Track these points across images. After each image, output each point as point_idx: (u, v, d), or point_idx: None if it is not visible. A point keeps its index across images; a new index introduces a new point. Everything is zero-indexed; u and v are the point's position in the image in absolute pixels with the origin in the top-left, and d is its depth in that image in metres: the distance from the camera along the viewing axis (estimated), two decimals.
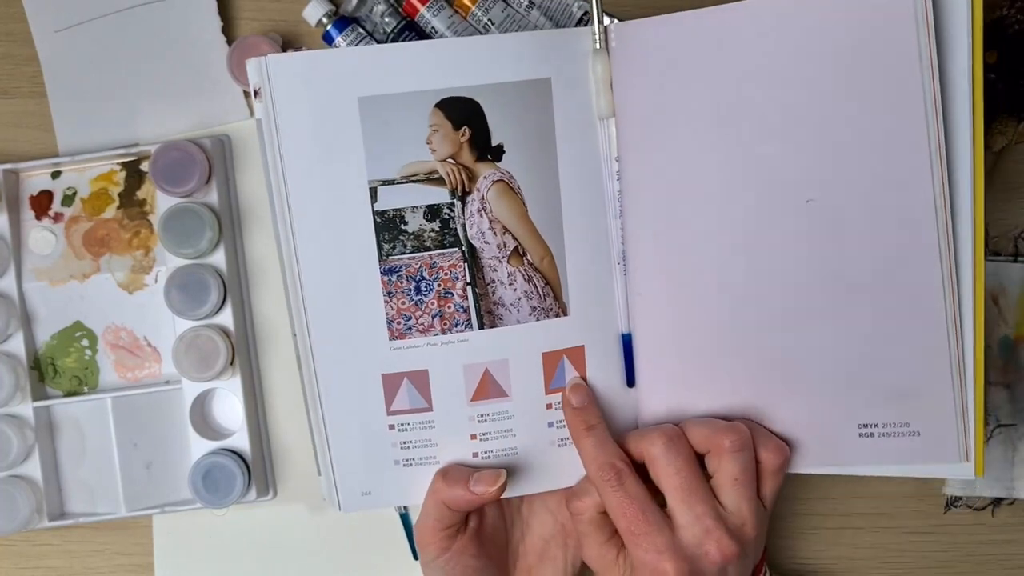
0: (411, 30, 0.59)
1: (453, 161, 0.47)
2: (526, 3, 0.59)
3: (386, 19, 0.59)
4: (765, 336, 0.48)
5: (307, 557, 0.60)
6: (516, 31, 0.58)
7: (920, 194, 0.45)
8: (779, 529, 0.61)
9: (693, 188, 0.47)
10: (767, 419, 0.49)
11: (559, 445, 0.50)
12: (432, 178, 0.47)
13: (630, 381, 0.50)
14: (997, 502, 0.61)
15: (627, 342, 0.50)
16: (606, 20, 0.55)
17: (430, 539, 0.49)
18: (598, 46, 0.48)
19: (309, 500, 0.60)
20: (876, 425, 0.48)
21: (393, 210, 0.47)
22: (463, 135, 0.47)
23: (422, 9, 0.58)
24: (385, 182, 0.47)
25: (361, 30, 0.59)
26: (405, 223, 0.47)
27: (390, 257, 0.47)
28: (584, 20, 0.59)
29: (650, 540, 0.44)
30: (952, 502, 0.61)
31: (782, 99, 0.46)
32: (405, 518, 0.60)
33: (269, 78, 0.46)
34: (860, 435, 0.48)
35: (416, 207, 0.47)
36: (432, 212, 0.47)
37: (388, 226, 0.47)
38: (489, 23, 0.59)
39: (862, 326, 0.47)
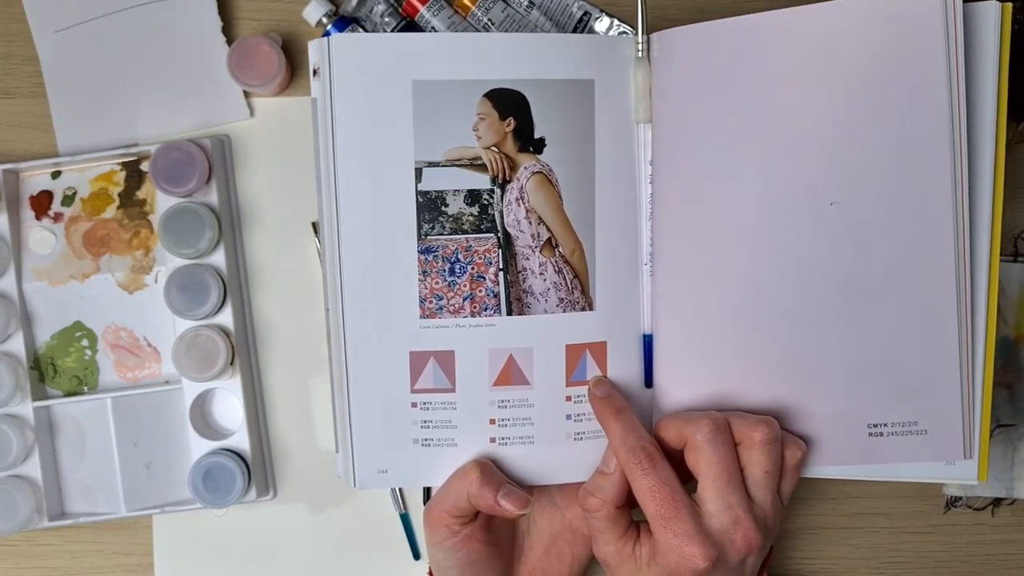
0: (411, 30, 0.59)
1: (496, 149, 0.49)
2: (526, 3, 0.59)
3: (386, 19, 0.59)
4: (784, 338, 0.48)
5: (307, 557, 0.60)
6: (516, 31, 0.59)
7: (940, 200, 0.46)
8: (780, 529, 0.61)
9: (722, 192, 0.48)
10: (781, 420, 0.49)
11: (575, 439, 0.50)
12: (475, 164, 0.49)
13: (648, 381, 0.51)
14: (997, 502, 0.61)
15: (648, 342, 0.50)
16: (620, 25, 0.56)
17: (441, 521, 0.49)
18: (640, 55, 0.49)
19: (309, 500, 0.60)
20: (886, 425, 0.48)
21: (436, 191, 0.48)
22: (508, 125, 0.48)
23: (422, 9, 0.58)
24: (430, 164, 0.48)
25: (361, 30, 0.59)
26: (446, 205, 0.49)
27: (428, 237, 0.49)
28: (584, 20, 0.59)
29: (680, 525, 0.44)
30: (952, 502, 0.61)
31: (812, 104, 0.47)
32: (405, 518, 0.60)
33: (330, 57, 0.47)
34: (870, 435, 0.49)
35: (458, 190, 0.49)
36: (472, 197, 0.49)
37: (429, 206, 0.48)
38: (489, 23, 0.59)
39: (879, 328, 0.47)
